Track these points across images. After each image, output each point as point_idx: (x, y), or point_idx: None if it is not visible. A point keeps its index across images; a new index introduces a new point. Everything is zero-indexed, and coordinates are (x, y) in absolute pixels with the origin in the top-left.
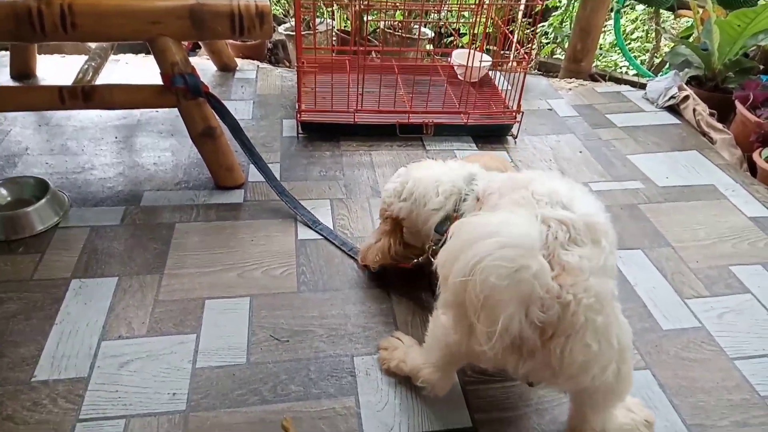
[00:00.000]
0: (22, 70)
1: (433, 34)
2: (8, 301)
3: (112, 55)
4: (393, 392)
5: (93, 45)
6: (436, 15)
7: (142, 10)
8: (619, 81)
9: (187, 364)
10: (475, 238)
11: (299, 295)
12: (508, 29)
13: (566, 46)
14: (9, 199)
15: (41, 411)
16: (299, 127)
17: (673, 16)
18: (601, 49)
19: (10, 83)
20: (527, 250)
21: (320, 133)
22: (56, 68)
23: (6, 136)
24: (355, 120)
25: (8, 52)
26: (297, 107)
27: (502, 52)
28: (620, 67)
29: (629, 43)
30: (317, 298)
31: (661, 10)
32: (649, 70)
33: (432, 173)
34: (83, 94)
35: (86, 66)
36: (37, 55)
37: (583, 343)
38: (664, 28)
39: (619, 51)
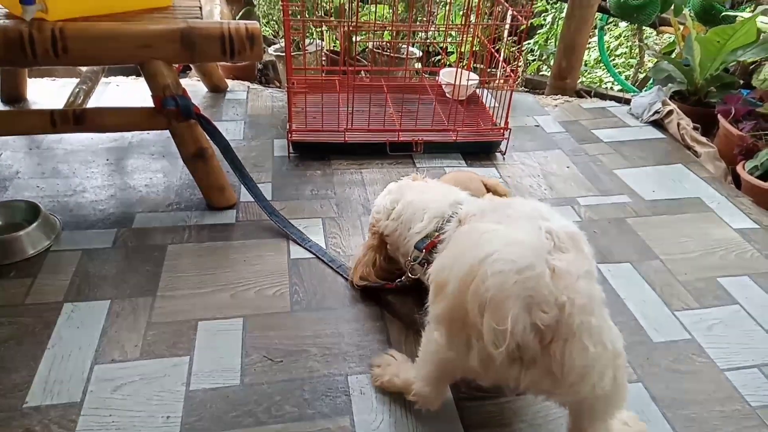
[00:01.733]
0: (13, 93)
1: (421, 54)
2: (0, 326)
3: (103, 77)
4: (388, 411)
5: (84, 68)
6: (423, 34)
7: (133, 34)
8: (604, 97)
9: (180, 387)
10: (481, 241)
11: (292, 315)
12: (494, 48)
13: (551, 63)
14: (0, 223)
15: None
16: (290, 147)
17: (655, 33)
18: (586, 65)
19: (1, 107)
20: (533, 251)
21: (311, 153)
22: (47, 91)
23: None
24: (346, 139)
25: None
26: (288, 127)
27: (489, 70)
28: (605, 83)
29: (613, 59)
30: (311, 318)
31: (644, 27)
32: (633, 86)
33: (422, 198)
34: (75, 118)
35: (77, 89)
36: (28, 78)
37: (581, 345)
38: (647, 44)
39: (604, 67)
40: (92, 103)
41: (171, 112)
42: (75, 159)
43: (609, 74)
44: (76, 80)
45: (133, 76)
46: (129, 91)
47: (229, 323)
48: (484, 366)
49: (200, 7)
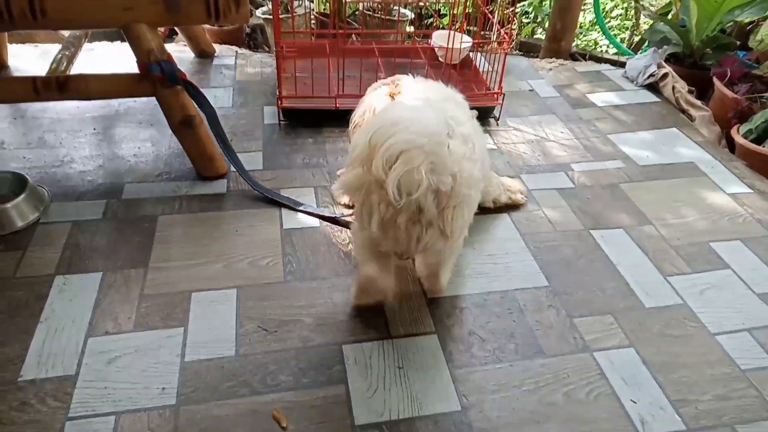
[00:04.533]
0: None
1: (413, 16)
2: None
3: (87, 43)
4: (382, 379)
5: (66, 33)
6: None
7: None
8: (599, 60)
9: (175, 358)
10: (395, 111)
11: (286, 285)
12: (488, 9)
13: (546, 25)
14: None
15: (29, 411)
16: (281, 114)
17: None
18: (581, 27)
19: None
20: (440, 125)
21: (302, 120)
22: (28, 58)
23: None
24: (337, 105)
25: None
26: (278, 94)
27: (482, 33)
28: (600, 46)
29: (609, 21)
30: (304, 288)
31: None
32: (629, 48)
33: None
34: (58, 85)
35: (60, 56)
36: (8, 44)
37: (462, 212)
38: (643, 5)
39: (599, 30)
40: (76, 70)
41: (156, 78)
42: (61, 128)
43: (604, 37)
44: (58, 46)
45: (118, 42)
46: (113, 58)
47: (222, 294)
48: (384, 230)
49: None
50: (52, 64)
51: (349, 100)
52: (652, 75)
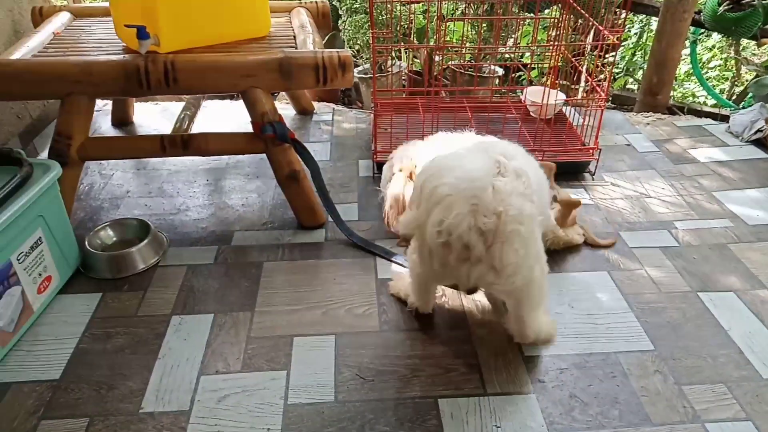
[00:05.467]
0: (122, 117)
1: (502, 72)
2: (116, 335)
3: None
4: None
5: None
6: (507, 54)
7: (236, 64)
8: (698, 113)
9: (279, 400)
10: (444, 161)
11: (381, 334)
12: (578, 63)
13: (638, 76)
14: (115, 239)
15: None
16: (375, 168)
17: (756, 45)
18: (676, 79)
19: (111, 130)
20: (483, 170)
21: None
22: (150, 115)
23: (109, 180)
24: None
25: (110, 102)
26: (372, 148)
27: (575, 87)
28: (698, 97)
29: (706, 72)
30: (399, 338)
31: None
32: (729, 100)
33: None
34: (182, 143)
35: (182, 115)
36: (135, 103)
37: (513, 248)
38: (746, 58)
39: (696, 81)
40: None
41: (268, 137)
42: (178, 179)
43: (702, 88)
44: (175, 104)
45: (228, 100)
46: (224, 115)
47: (321, 340)
48: (443, 266)
49: (294, 37)
50: (176, 123)
51: None
52: (759, 130)
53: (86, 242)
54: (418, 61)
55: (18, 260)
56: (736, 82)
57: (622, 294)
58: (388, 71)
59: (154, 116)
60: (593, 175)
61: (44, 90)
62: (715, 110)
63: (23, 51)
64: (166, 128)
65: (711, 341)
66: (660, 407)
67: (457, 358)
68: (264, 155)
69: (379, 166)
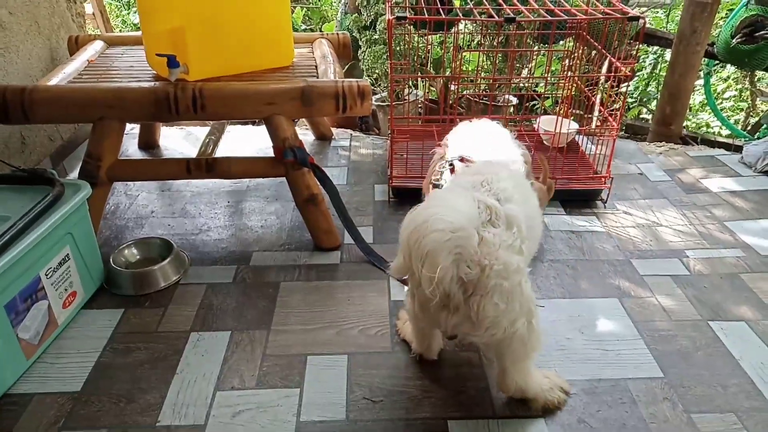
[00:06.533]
0: (148, 141)
1: (516, 101)
2: (137, 350)
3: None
4: None
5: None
6: (522, 84)
7: (260, 92)
8: (711, 144)
9: (291, 417)
10: (429, 206)
11: (393, 355)
12: (592, 93)
13: (652, 106)
14: (138, 257)
15: None
16: (391, 192)
17: None
18: (690, 110)
19: (138, 152)
20: (467, 218)
21: (411, 198)
22: (175, 139)
23: (134, 201)
24: None
25: (138, 125)
26: (389, 173)
27: (588, 116)
28: (711, 128)
29: (720, 103)
30: (410, 359)
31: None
32: (744, 131)
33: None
34: (207, 166)
35: (207, 140)
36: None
37: (493, 302)
38: (760, 89)
39: (710, 111)
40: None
41: (289, 162)
42: (200, 201)
43: (716, 118)
44: (199, 128)
45: (250, 125)
46: (246, 139)
47: (334, 359)
48: (423, 310)
49: (316, 66)
50: (201, 147)
51: None
52: None
53: (111, 260)
54: (434, 89)
55: (46, 275)
56: (751, 113)
57: (632, 321)
58: (405, 99)
59: (178, 140)
60: (605, 203)
61: (79, 114)
62: (729, 140)
63: (60, 77)
64: (190, 151)
65: (721, 370)
66: None
67: (467, 380)
68: (283, 178)
69: (395, 190)
